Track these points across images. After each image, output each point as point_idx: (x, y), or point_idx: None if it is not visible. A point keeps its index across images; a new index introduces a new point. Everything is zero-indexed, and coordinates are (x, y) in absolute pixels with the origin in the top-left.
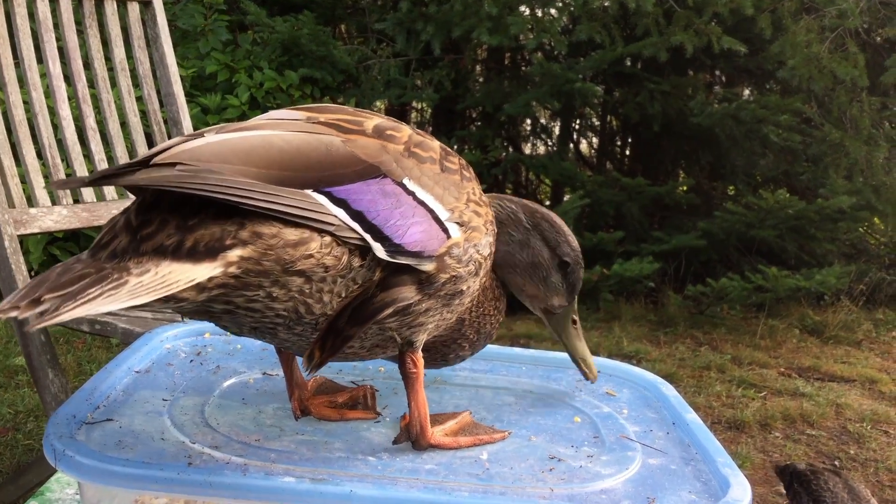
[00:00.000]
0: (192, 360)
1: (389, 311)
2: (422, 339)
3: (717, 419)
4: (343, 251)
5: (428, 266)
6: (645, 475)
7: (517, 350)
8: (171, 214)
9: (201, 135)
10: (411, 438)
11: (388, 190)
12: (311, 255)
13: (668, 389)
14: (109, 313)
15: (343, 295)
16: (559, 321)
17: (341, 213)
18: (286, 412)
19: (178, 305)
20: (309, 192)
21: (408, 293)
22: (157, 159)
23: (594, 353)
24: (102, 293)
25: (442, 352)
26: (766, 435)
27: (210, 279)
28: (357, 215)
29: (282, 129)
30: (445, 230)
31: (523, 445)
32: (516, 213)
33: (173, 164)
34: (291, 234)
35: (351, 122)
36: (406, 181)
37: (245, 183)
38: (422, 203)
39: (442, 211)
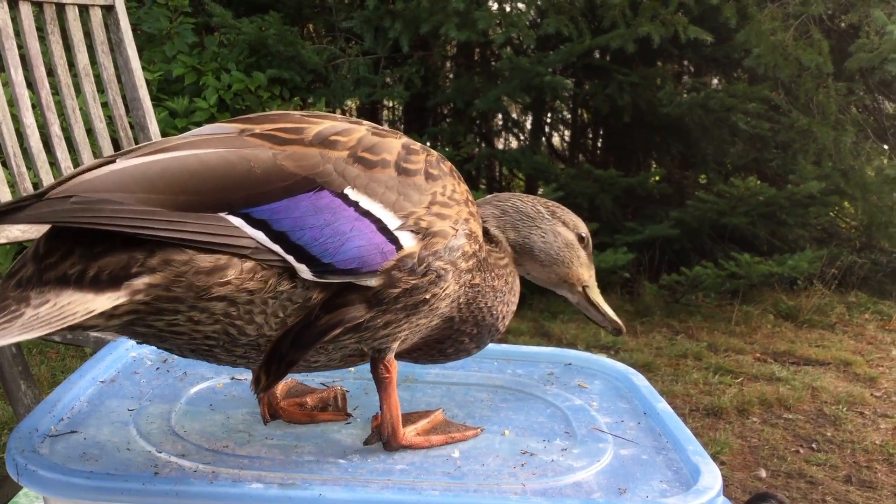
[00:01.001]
0: (158, 368)
1: (337, 331)
2: (394, 346)
3: (695, 406)
4: (269, 274)
5: (371, 282)
6: (616, 466)
7: (488, 346)
8: (77, 242)
9: (112, 160)
10: (382, 440)
11: (323, 204)
12: (228, 282)
13: (639, 379)
14: None
15: (281, 315)
16: (593, 290)
17: (260, 236)
18: (255, 417)
19: (91, 332)
20: (223, 215)
21: (356, 312)
22: (51, 193)
23: (572, 346)
24: None
25: (438, 348)
26: (743, 420)
27: (115, 307)
28: (279, 236)
29: (205, 148)
30: (395, 241)
31: (495, 441)
32: (536, 207)
33: (69, 197)
34: (205, 260)
35: (290, 130)
36: (348, 191)
37: (144, 212)
38: (366, 214)
39: (392, 220)
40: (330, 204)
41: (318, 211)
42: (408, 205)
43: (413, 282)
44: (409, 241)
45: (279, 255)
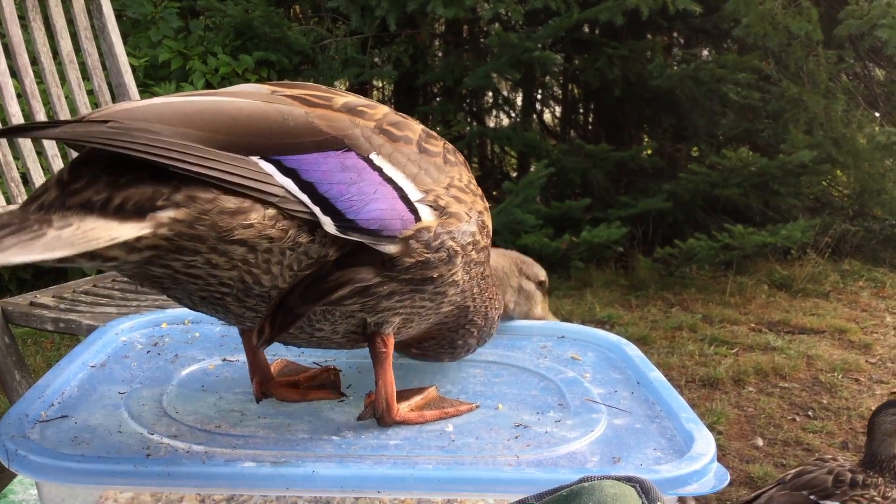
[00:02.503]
0: (149, 351)
1: (345, 291)
2: (393, 321)
3: (691, 378)
4: (290, 224)
5: (389, 248)
6: (610, 436)
7: None
8: (103, 171)
9: (151, 97)
10: (376, 416)
11: (350, 164)
12: (251, 225)
13: (632, 350)
14: (72, 311)
15: (295, 268)
16: None
17: (289, 184)
18: (248, 397)
19: (110, 265)
20: (255, 159)
21: (366, 274)
22: (90, 116)
23: (567, 320)
24: (18, 243)
25: (449, 338)
26: (739, 390)
27: (138, 239)
28: (307, 186)
29: (240, 97)
30: (415, 211)
31: (489, 415)
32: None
33: (106, 121)
34: (230, 201)
35: (319, 97)
36: (374, 156)
37: (180, 145)
38: (389, 181)
39: (414, 191)
40: (356, 164)
41: (345, 169)
42: (428, 180)
43: (427, 255)
44: (427, 215)
45: (306, 206)
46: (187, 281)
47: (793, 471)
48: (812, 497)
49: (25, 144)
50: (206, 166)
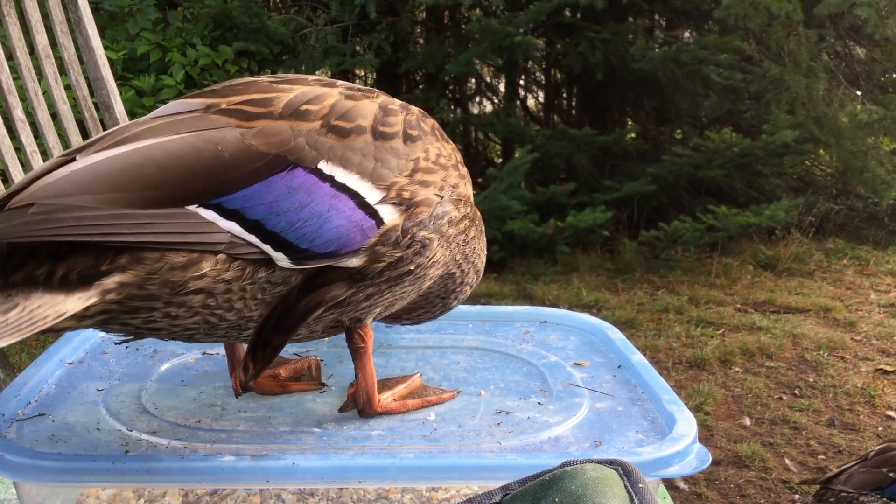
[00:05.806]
0: (127, 347)
1: (319, 311)
2: (374, 313)
3: (678, 360)
4: (245, 262)
5: (353, 262)
6: (592, 419)
7: (462, 307)
8: (43, 241)
9: (73, 158)
10: (358, 408)
11: (297, 184)
12: (204, 275)
13: (614, 333)
14: None
15: (260, 296)
16: None
17: (234, 227)
18: (228, 391)
19: (63, 332)
20: (193, 208)
21: (337, 291)
22: (12, 202)
23: (554, 305)
24: None
25: (442, 303)
26: (726, 371)
27: (87, 308)
28: (254, 225)
29: (168, 134)
30: (375, 215)
31: (471, 402)
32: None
33: (29, 206)
34: (178, 256)
35: (258, 103)
36: (322, 165)
37: (108, 217)
38: (343, 188)
39: (372, 192)
40: (304, 183)
41: (293, 192)
42: (386, 172)
43: (398, 254)
44: (390, 215)
45: (256, 247)
46: (149, 332)
47: (876, 448)
48: (892, 474)
49: (3, 142)
50: (140, 233)
